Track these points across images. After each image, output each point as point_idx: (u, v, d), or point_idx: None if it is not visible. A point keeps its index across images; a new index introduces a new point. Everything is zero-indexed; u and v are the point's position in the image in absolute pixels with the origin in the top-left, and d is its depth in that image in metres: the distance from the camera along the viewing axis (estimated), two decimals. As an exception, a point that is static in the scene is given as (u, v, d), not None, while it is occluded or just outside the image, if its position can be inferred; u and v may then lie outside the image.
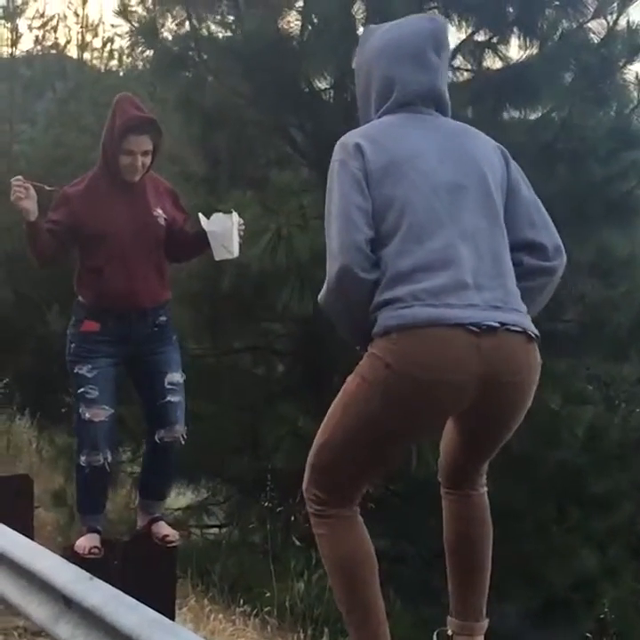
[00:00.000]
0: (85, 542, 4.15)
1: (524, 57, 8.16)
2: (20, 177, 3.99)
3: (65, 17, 19.23)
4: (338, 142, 2.72)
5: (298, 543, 6.78)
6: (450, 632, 2.85)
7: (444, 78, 2.80)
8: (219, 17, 8.74)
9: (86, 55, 14.90)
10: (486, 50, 8.35)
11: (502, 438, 2.71)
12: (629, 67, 8.04)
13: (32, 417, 10.96)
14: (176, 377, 4.20)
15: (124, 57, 14.30)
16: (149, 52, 8.81)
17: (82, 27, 14.53)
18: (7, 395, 10.12)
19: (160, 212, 4.16)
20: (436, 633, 2.90)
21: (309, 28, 8.15)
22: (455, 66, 8.37)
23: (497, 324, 2.51)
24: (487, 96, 8.04)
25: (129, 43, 9.09)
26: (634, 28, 7.89)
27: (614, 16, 8.02)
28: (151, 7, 8.73)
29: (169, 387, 4.16)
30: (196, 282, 7.84)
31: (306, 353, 8.63)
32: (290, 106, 8.35)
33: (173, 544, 4.33)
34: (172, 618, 4.13)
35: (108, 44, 14.56)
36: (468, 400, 2.53)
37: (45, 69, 14.04)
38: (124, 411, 5.72)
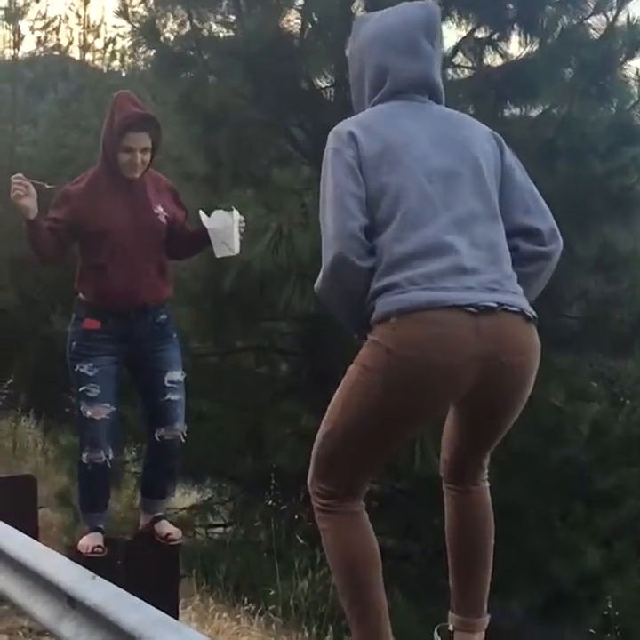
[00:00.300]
0: (88, 541, 4.15)
1: (524, 54, 8.15)
2: (20, 175, 4.00)
3: (67, 18, 19.44)
4: (332, 131, 2.72)
5: (302, 542, 6.78)
6: (451, 627, 2.85)
7: (437, 66, 2.80)
8: (220, 17, 8.76)
9: (88, 56, 14.96)
10: (487, 47, 8.34)
11: (503, 427, 2.70)
12: (629, 62, 8.05)
13: (37, 418, 10.99)
14: (176, 375, 4.19)
15: (126, 57, 14.34)
16: (150, 53, 8.84)
17: (84, 28, 14.58)
18: (12, 396, 10.14)
19: (161, 209, 4.17)
20: (436, 628, 2.89)
21: (310, 26, 8.16)
22: (456, 63, 8.38)
23: (495, 304, 2.50)
24: (488, 93, 8.04)
25: (130, 43, 9.13)
26: (634, 23, 7.87)
27: (614, 12, 8.00)
28: (152, 7, 8.74)
29: (169, 385, 4.16)
30: (198, 282, 7.85)
31: (309, 352, 8.63)
32: (291, 105, 8.36)
33: (176, 542, 4.34)
34: (176, 616, 4.14)
35: (110, 45, 14.61)
36: (469, 382, 2.52)
37: (48, 71, 14.07)
38: (129, 411, 5.74)
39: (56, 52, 14.79)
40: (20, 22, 13.20)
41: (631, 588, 8.27)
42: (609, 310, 8.51)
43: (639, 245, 9.23)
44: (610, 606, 7.18)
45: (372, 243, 2.59)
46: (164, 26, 8.76)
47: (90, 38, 14.66)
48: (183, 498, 9.38)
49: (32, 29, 14.22)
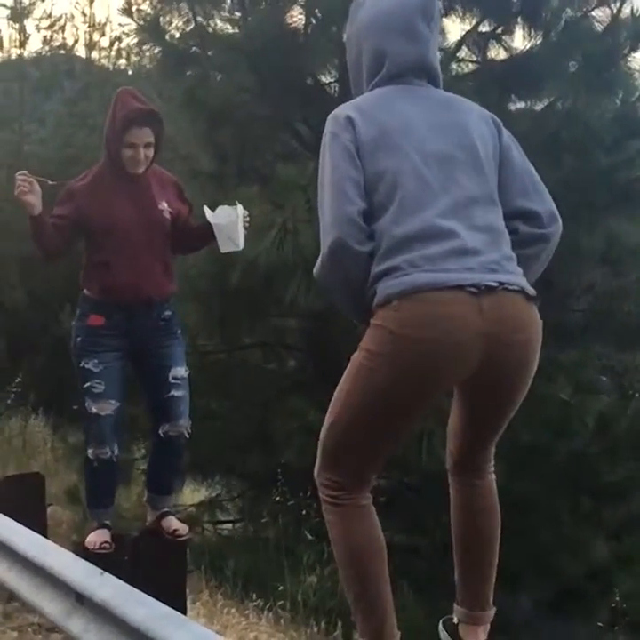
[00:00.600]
0: (96, 538, 4.17)
1: (528, 47, 8.14)
2: (24, 171, 4.01)
3: (72, 17, 19.43)
4: (330, 115, 2.72)
5: (310, 537, 6.79)
6: (455, 620, 2.85)
7: (434, 49, 2.79)
8: (224, 13, 8.77)
9: (94, 54, 14.90)
10: (491, 40, 8.33)
11: (507, 412, 2.69)
12: (634, 54, 8.02)
13: (46, 416, 11.02)
14: (180, 371, 4.20)
15: (132, 55, 14.32)
16: (155, 50, 8.84)
17: (89, 26, 14.53)
18: (21, 394, 10.16)
19: (165, 205, 4.17)
20: (441, 621, 2.89)
21: (313, 22, 8.16)
22: (460, 57, 8.38)
23: (496, 284, 2.51)
24: (492, 87, 8.02)
25: (135, 41, 9.14)
26: (638, 15, 7.85)
27: (618, 4, 7.99)
28: (157, 5, 8.75)
29: (173, 381, 4.17)
30: (204, 278, 7.85)
31: (316, 347, 8.63)
32: (295, 100, 8.35)
33: (183, 538, 4.35)
34: (184, 612, 4.16)
35: (116, 43, 14.59)
36: (473, 361, 2.51)
37: (54, 69, 14.05)
38: (137, 409, 5.74)
39: (62, 51, 14.76)
40: (25, 21, 13.20)
41: (640, 581, 8.26)
42: (616, 303, 8.49)
43: (646, 238, 9.20)
44: (618, 599, 7.17)
45: (371, 227, 2.58)
46: (169, 23, 8.77)
47: (95, 37, 14.62)
48: (192, 494, 9.42)
49: (38, 28, 14.22)
